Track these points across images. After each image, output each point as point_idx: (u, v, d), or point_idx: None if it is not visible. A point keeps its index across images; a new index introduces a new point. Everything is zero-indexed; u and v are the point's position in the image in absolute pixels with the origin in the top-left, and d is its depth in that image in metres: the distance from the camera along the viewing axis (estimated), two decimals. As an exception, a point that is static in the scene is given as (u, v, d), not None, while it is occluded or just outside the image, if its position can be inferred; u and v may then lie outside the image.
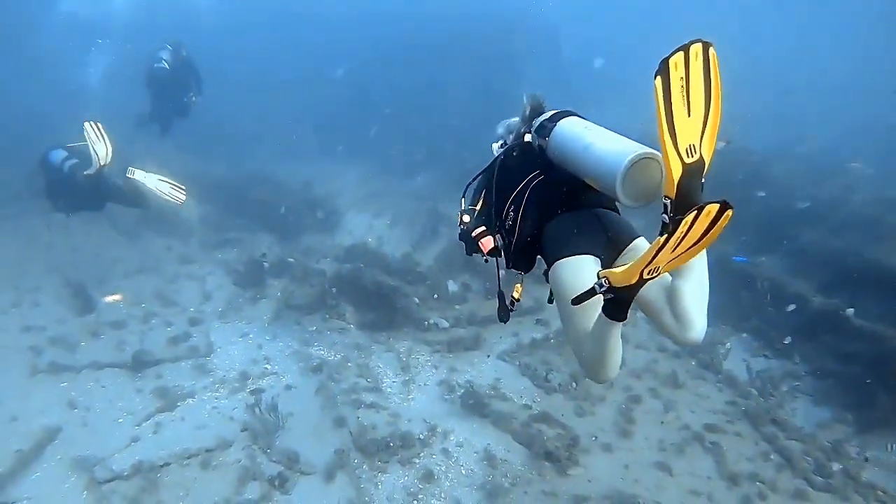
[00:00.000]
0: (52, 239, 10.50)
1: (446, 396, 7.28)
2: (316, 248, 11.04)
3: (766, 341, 8.68)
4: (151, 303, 8.97)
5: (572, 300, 2.16)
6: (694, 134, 1.78)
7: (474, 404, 7.02)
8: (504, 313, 3.10)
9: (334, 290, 8.95)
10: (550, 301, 2.79)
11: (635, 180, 2.28)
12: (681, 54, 1.73)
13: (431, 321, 8.49)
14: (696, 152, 1.80)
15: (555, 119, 2.75)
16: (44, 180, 7.30)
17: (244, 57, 21.25)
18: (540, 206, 2.72)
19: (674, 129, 1.76)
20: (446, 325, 8.46)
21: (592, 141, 2.48)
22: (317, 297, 8.92)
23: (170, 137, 11.04)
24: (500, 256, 3.03)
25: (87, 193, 7.12)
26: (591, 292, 2.06)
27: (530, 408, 7.12)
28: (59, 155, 7.34)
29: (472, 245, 3.07)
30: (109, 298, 8.86)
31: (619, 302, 2.04)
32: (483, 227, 3.05)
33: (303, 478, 5.91)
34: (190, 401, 6.93)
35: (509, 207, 2.83)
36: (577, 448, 6.45)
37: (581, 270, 2.41)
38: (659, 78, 1.74)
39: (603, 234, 2.53)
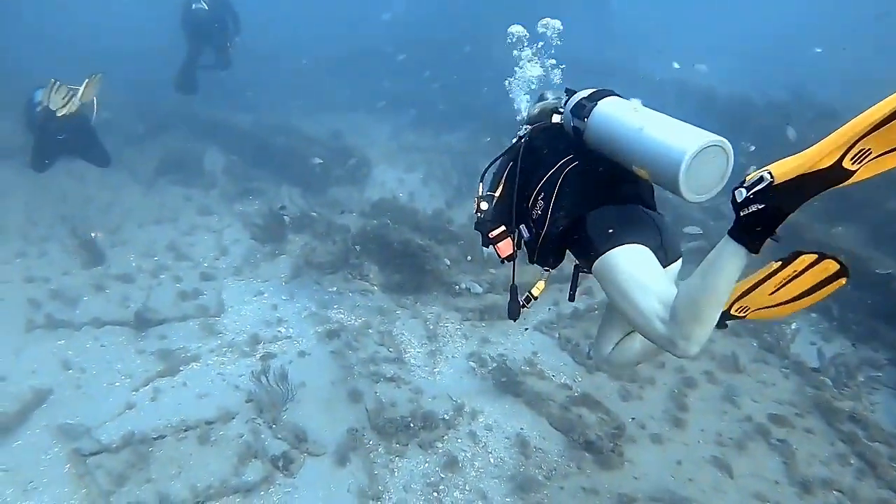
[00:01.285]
0: (65, 188, 10.00)
1: (476, 371, 6.45)
2: (342, 201, 10.21)
3: (841, 324, 7.48)
4: (164, 256, 8.36)
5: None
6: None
7: (507, 382, 6.16)
8: (515, 310, 2.87)
9: (358, 247, 8.13)
10: (572, 298, 2.76)
11: (699, 171, 2.04)
12: None
13: (463, 285, 7.60)
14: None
15: (594, 98, 2.48)
16: (25, 121, 6.66)
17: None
18: (576, 195, 2.47)
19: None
20: (479, 290, 7.56)
21: (645, 124, 2.21)
22: (339, 255, 8.13)
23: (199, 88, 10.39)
24: (515, 258, 2.84)
25: (46, 139, 6.81)
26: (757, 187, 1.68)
27: (570, 388, 6.23)
28: (38, 95, 6.75)
29: (488, 239, 2.87)
30: (94, 235, 8.30)
31: (770, 216, 1.67)
32: (502, 227, 2.84)
33: (310, 459, 5.20)
34: (194, 365, 6.29)
35: (538, 195, 2.58)
36: (623, 438, 5.54)
37: (647, 253, 2.20)
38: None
39: (658, 236, 2.35)
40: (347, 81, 16.96)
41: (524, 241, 2.76)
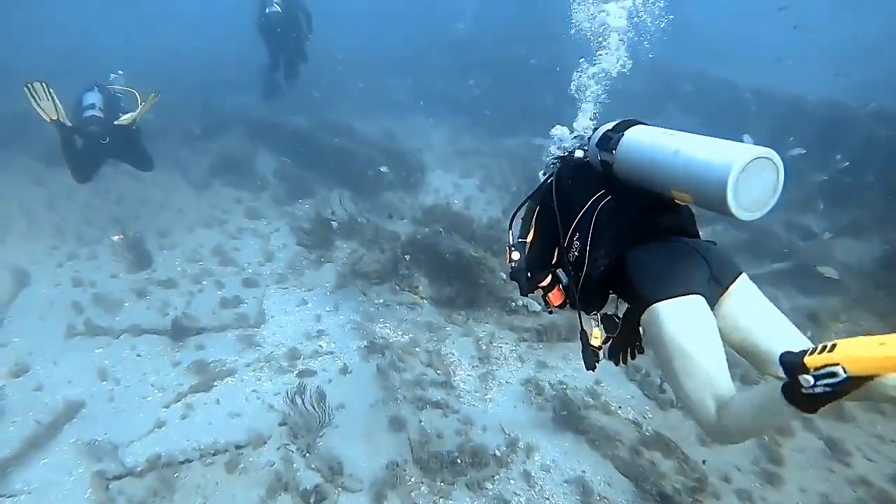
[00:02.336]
0: (123, 188, 10.01)
1: (532, 400, 5.78)
2: (393, 206, 9.73)
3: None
4: (209, 260, 8.11)
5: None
6: None
7: (567, 415, 5.46)
8: (591, 361, 2.61)
9: (408, 257, 7.60)
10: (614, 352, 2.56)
11: (748, 186, 1.94)
12: None
13: (520, 302, 6.95)
14: None
15: (620, 129, 2.44)
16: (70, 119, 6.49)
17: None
18: (613, 232, 2.35)
19: None
20: (538, 307, 6.88)
21: (681, 146, 2.11)
22: (388, 264, 7.63)
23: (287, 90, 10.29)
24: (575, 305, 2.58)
25: (91, 143, 6.65)
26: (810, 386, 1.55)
27: (639, 426, 5.46)
28: (89, 98, 6.64)
29: (526, 286, 2.79)
30: (115, 238, 8.13)
31: (836, 396, 1.53)
32: (548, 278, 2.77)
33: (344, 495, 4.67)
34: (229, 380, 5.91)
35: (573, 237, 2.47)
36: (704, 493, 4.74)
37: (697, 314, 2.05)
38: None
39: (705, 269, 2.17)
40: (408, 83, 16.59)
41: (563, 286, 2.65)
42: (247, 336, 6.53)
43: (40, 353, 6.15)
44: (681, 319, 2.04)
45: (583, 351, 2.60)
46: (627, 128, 2.40)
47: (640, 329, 2.28)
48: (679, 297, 2.06)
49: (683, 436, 5.38)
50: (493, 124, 14.29)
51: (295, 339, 6.59)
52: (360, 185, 10.37)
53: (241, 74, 15.28)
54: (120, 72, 7.76)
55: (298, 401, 5.28)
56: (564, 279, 2.60)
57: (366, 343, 6.47)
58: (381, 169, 10.34)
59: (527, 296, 2.84)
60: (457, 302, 7.18)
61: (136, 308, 6.88)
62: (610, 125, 2.52)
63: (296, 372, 6.06)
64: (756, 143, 1.97)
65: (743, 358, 2.24)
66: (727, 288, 2.20)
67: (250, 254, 8.34)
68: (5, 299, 6.94)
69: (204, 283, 7.46)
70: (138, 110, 6.67)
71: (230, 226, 9.15)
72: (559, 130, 3.03)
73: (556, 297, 2.73)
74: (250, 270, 7.90)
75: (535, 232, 2.80)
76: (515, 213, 2.94)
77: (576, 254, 2.44)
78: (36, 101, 6.13)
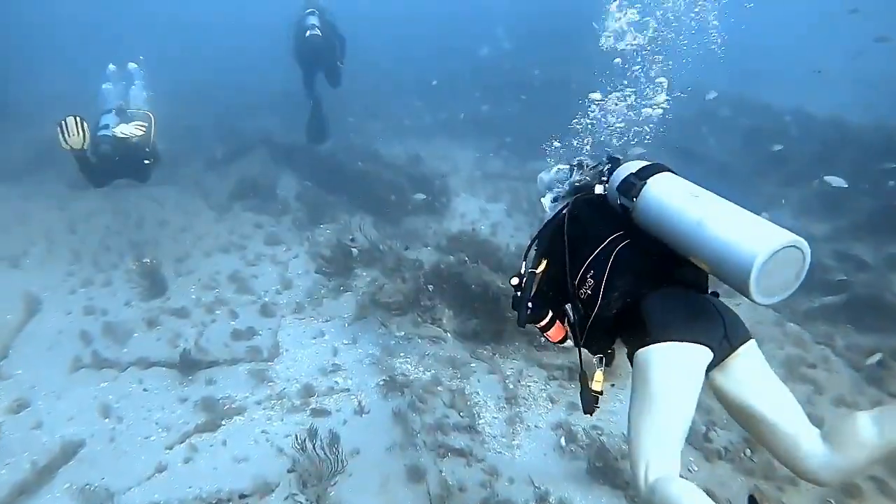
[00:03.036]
0: (143, 212, 9.87)
1: (564, 448, 5.25)
2: (417, 233, 9.36)
3: None
4: (225, 288, 7.81)
5: None
6: None
7: (603, 467, 4.91)
8: (589, 402, 2.47)
9: (431, 287, 7.18)
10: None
11: (772, 273, 1.92)
12: None
13: (550, 337, 6.44)
14: None
15: (644, 175, 2.33)
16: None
17: (382, 24, 20.66)
18: (632, 276, 2.28)
19: None
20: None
21: (704, 216, 2.07)
22: (410, 294, 7.21)
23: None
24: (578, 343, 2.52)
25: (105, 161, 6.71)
26: None
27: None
28: (105, 120, 6.70)
29: (525, 318, 2.69)
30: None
31: None
32: (548, 314, 2.78)
33: (356, 556, 4.22)
34: (238, 419, 5.53)
35: (586, 273, 2.38)
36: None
37: (695, 362, 2.05)
38: None
39: (721, 326, 2.15)
40: (434, 106, 16.35)
41: (569, 322, 2.55)
42: (259, 370, 6.15)
43: (43, 387, 5.87)
44: (686, 363, 2.05)
45: (581, 393, 2.48)
46: (652, 174, 2.30)
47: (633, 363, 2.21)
48: (692, 343, 2.06)
49: (734, 493, 4.79)
50: (521, 147, 13.92)
51: (310, 374, 6.19)
52: (383, 210, 10.04)
53: (264, 98, 15.34)
54: (141, 57, 7.71)
55: (309, 445, 4.86)
56: (572, 316, 2.49)
57: (384, 379, 6.03)
58: (418, 196, 10.04)
59: (524, 327, 2.75)
60: (482, 336, 6.71)
61: (146, 339, 6.57)
62: (634, 166, 2.41)
63: (309, 411, 5.65)
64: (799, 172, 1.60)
65: (738, 421, 2.24)
66: (736, 349, 2.18)
67: (268, 281, 8.02)
68: (15, 328, 6.72)
69: (218, 312, 7.14)
70: (131, 130, 6.70)
71: (249, 251, 8.87)
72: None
73: (556, 332, 2.68)
74: (267, 299, 7.56)
75: (546, 263, 2.68)
76: (531, 245, 2.83)
77: (588, 292, 2.35)
78: (65, 136, 6.17)
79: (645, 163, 2.42)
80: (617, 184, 2.42)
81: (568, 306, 2.57)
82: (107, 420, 5.49)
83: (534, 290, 2.67)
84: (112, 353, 6.27)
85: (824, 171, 10.39)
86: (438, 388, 5.95)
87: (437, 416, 5.52)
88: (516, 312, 2.71)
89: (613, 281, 2.28)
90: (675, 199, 2.18)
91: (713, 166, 11.43)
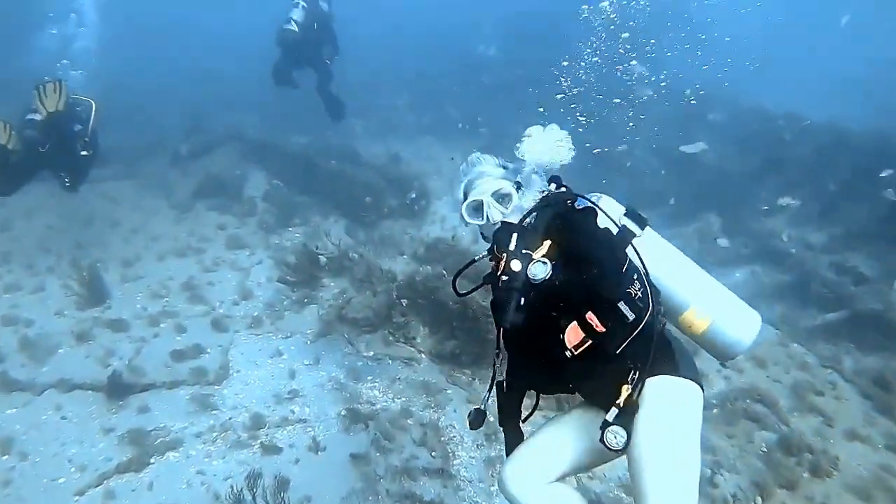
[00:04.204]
0: (95, 210, 8.99)
1: (553, 497, 4.49)
2: (393, 239, 8.57)
3: None
4: (176, 296, 6.96)
5: None
6: None
7: (600, 522, 4.19)
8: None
9: (404, 301, 6.41)
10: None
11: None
12: None
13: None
14: None
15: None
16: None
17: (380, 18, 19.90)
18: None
19: None
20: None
21: (693, 300, 2.37)
22: (381, 309, 6.42)
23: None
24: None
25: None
26: None
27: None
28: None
29: (514, 314, 2.09)
30: None
31: None
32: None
33: None
34: (171, 455, 4.71)
35: (629, 272, 2.13)
36: None
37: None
38: None
39: None
40: (422, 105, 15.57)
41: (610, 326, 2.01)
42: (203, 396, 5.33)
43: (-56, 412, 5.00)
44: (698, 405, 2.21)
45: (619, 417, 2.06)
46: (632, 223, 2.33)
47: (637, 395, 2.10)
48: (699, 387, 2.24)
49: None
50: (508, 149, 13.21)
51: (262, 400, 5.38)
52: (358, 214, 9.24)
53: (240, 91, 14.43)
54: (65, 61, 7.12)
55: (248, 496, 4.06)
56: (630, 315, 2.03)
57: (347, 409, 5.25)
58: (411, 195, 9.39)
59: (510, 326, 2.11)
60: (461, 358, 5.95)
61: (73, 356, 5.71)
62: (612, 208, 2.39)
63: (257, 445, 4.84)
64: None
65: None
66: None
67: (225, 290, 7.19)
68: (-80, 339, 5.82)
69: (163, 325, 6.30)
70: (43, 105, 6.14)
71: (207, 256, 8.02)
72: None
73: (576, 333, 2.04)
74: (221, 311, 6.73)
75: (553, 247, 2.19)
76: (521, 224, 2.28)
77: (639, 294, 2.09)
78: (42, 101, 6.04)
79: (617, 205, 2.41)
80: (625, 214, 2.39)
81: (623, 304, 2.05)
82: (6, 457, 4.62)
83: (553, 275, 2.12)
84: (26, 373, 5.40)
85: (822, 178, 9.88)
86: (409, 420, 5.18)
87: (405, 456, 4.75)
88: (502, 305, 2.15)
89: (655, 295, 2.18)
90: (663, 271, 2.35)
91: (710, 171, 10.81)
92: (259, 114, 12.97)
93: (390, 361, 6.00)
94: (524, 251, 2.18)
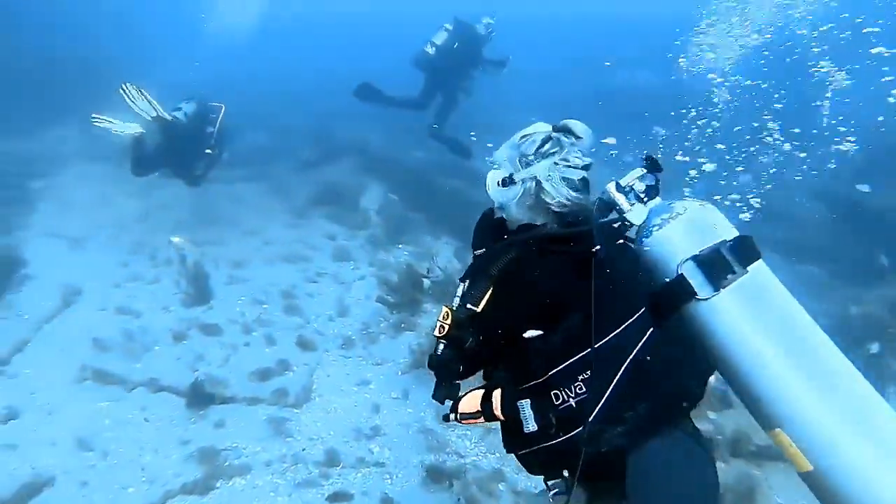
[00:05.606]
0: (221, 210, 9.25)
1: None
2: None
3: None
4: (275, 304, 6.78)
5: None
6: None
7: None
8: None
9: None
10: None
11: None
12: None
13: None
14: None
15: (742, 256, 1.66)
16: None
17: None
18: (649, 399, 1.68)
19: None
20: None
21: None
22: (482, 345, 5.75)
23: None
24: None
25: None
26: None
27: None
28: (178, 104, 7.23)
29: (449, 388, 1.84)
30: (176, 240, 7.48)
31: None
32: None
33: None
34: (237, 482, 4.34)
35: (576, 368, 1.66)
36: None
37: None
38: None
39: None
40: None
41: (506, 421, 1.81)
42: (280, 419, 4.96)
43: (41, 396, 5.03)
44: None
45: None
46: (750, 259, 1.65)
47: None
48: None
49: None
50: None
51: (340, 434, 4.90)
52: (469, 237, 8.67)
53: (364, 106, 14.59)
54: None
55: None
56: (530, 425, 1.65)
57: (431, 459, 4.62)
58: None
59: (443, 402, 1.81)
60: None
61: (166, 355, 5.61)
62: (714, 226, 1.71)
63: (325, 488, 4.34)
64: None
65: None
66: None
67: (323, 304, 6.90)
68: (42, 319, 6.04)
69: (255, 333, 6.09)
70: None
71: (313, 265, 7.83)
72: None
73: (470, 403, 1.78)
74: (315, 325, 6.43)
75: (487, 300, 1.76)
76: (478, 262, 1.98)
77: (571, 402, 1.64)
78: (132, 102, 6.43)
79: (727, 225, 1.71)
80: (684, 244, 1.66)
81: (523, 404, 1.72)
82: (90, 453, 4.49)
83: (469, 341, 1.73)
84: (123, 367, 5.35)
85: None
86: (500, 485, 4.44)
87: (491, 531, 4.01)
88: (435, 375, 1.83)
89: (624, 402, 1.58)
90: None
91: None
92: (382, 126, 12.97)
93: (486, 409, 5.28)
94: (469, 307, 1.82)
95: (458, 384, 1.84)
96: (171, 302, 6.63)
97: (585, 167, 1.88)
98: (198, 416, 4.96)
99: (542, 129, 1.97)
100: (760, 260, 1.65)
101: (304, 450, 4.69)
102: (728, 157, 8.05)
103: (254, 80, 14.24)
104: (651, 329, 1.67)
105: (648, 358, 1.62)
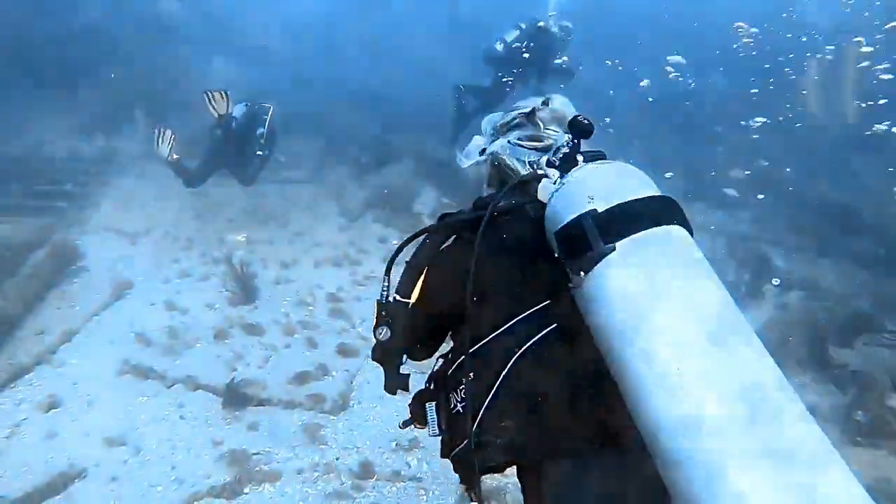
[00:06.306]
0: (273, 209, 9.28)
1: None
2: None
3: None
4: (320, 307, 6.63)
5: None
6: None
7: None
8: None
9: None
10: None
11: None
12: None
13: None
14: None
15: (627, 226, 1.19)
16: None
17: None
18: (537, 411, 1.47)
19: None
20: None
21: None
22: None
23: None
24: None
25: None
26: None
27: None
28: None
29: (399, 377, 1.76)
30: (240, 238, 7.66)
31: None
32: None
33: None
34: (266, 488, 4.15)
35: (465, 367, 1.53)
36: None
37: None
38: None
39: None
40: (608, 136, 14.28)
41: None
42: (315, 426, 4.75)
43: (84, 388, 5.03)
44: None
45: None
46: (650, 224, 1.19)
47: None
48: None
49: None
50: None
51: (376, 444, 4.64)
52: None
53: (425, 107, 14.46)
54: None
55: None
56: (433, 428, 1.67)
57: (470, 477, 4.28)
58: None
59: (395, 393, 1.69)
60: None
61: (206, 353, 5.53)
62: (617, 186, 1.26)
63: (357, 499, 4.09)
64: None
65: None
66: None
67: (369, 308, 6.64)
68: (92, 311, 6.11)
69: (297, 336, 5.94)
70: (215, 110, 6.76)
71: (362, 269, 7.68)
72: None
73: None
74: (359, 330, 6.23)
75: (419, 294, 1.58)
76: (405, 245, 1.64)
77: (457, 406, 1.55)
78: (213, 105, 6.62)
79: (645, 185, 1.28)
80: (564, 213, 1.26)
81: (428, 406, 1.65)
82: (123, 448, 4.41)
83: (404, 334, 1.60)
84: (163, 363, 5.29)
85: None
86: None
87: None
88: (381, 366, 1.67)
89: (504, 412, 1.34)
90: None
91: None
92: (438, 132, 12.81)
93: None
94: (397, 298, 1.67)
95: (408, 374, 1.71)
96: (217, 300, 6.59)
97: (545, 148, 1.54)
98: (233, 418, 4.82)
99: (531, 104, 1.67)
100: (678, 226, 1.21)
101: (337, 459, 4.45)
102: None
103: (323, 82, 14.33)
104: (551, 326, 1.35)
105: (540, 358, 1.33)
